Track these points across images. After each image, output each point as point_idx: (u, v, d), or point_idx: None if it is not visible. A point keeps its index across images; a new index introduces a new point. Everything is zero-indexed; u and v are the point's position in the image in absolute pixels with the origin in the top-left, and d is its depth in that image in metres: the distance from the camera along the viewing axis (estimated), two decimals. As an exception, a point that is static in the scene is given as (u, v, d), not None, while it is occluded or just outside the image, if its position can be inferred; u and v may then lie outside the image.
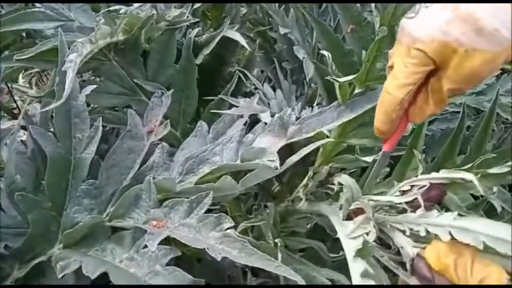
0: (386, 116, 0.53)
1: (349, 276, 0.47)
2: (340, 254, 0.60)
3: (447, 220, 0.48)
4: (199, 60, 0.85)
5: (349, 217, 0.56)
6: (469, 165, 0.61)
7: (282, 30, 0.76)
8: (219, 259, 0.50)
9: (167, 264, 0.55)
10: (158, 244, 0.56)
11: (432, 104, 0.52)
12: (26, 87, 1.22)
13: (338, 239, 0.53)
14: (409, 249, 0.51)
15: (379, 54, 0.63)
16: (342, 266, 0.54)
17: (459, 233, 0.46)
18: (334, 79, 0.63)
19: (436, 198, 0.53)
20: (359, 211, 0.55)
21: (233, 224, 0.51)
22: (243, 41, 0.84)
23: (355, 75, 0.62)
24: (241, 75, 0.90)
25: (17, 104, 1.19)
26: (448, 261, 0.46)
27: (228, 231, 0.50)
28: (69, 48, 0.64)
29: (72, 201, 0.64)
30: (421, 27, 0.49)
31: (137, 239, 0.60)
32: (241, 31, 1.06)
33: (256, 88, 0.90)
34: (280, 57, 1.04)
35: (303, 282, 0.48)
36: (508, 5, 0.46)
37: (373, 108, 0.56)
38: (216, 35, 0.83)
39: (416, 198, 0.52)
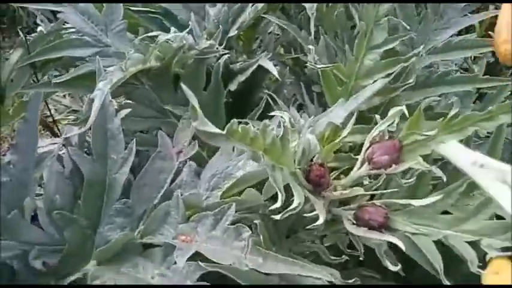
0: None
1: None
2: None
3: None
4: (234, 86, 0.89)
5: None
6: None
7: (311, 58, 0.79)
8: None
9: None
10: (188, 260, 0.58)
11: None
12: (60, 96, 1.28)
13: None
14: None
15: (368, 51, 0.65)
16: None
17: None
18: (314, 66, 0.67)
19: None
20: None
21: (250, 232, 0.52)
22: (274, 71, 0.87)
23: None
24: (269, 99, 0.92)
25: (51, 113, 1.25)
26: None
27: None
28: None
29: (106, 220, 0.67)
30: None
31: (167, 255, 0.62)
32: (273, 57, 1.10)
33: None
34: (310, 80, 1.05)
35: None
36: None
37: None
38: (252, 64, 0.87)
39: None
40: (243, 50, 1.10)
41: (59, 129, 1.28)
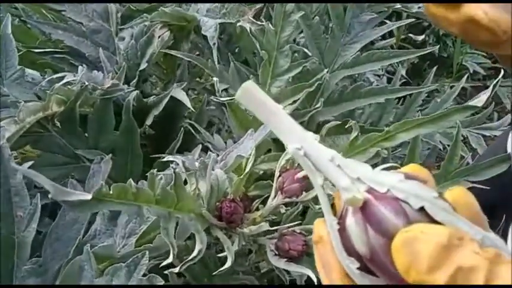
0: None
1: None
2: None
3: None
4: (149, 121, 0.87)
5: None
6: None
7: (221, 86, 0.77)
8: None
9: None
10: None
11: None
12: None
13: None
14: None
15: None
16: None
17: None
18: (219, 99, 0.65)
19: None
20: None
21: (163, 282, 0.49)
22: (187, 102, 0.86)
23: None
24: (191, 129, 0.90)
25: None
26: None
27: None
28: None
29: (18, 282, 0.63)
30: None
31: (87, 313, 0.58)
32: (192, 84, 1.08)
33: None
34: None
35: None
36: None
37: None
38: (164, 97, 0.85)
39: None
40: (166, 77, 1.07)
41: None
